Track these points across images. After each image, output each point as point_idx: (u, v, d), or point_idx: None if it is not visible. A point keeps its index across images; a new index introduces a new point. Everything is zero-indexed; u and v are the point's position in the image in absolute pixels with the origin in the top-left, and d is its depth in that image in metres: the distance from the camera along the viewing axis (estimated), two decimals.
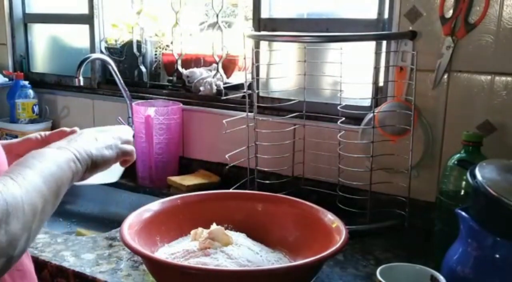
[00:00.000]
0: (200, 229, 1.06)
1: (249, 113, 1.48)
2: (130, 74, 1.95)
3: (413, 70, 1.30)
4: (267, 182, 1.47)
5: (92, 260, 1.14)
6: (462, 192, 1.10)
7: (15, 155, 0.85)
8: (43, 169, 0.67)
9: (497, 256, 0.88)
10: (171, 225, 1.11)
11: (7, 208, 0.58)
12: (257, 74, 1.60)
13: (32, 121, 2.07)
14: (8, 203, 0.58)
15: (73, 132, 0.92)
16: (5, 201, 0.58)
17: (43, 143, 0.93)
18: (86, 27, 2.01)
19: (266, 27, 1.59)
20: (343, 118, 1.38)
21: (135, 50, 1.93)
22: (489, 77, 1.25)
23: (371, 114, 1.36)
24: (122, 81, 1.77)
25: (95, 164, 0.79)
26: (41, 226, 0.65)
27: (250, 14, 1.69)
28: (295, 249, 1.08)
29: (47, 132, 0.96)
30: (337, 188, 1.38)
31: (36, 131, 2.21)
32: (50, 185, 0.66)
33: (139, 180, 1.73)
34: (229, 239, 1.02)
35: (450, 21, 1.26)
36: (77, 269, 1.09)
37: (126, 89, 1.78)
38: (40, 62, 2.25)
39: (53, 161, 0.70)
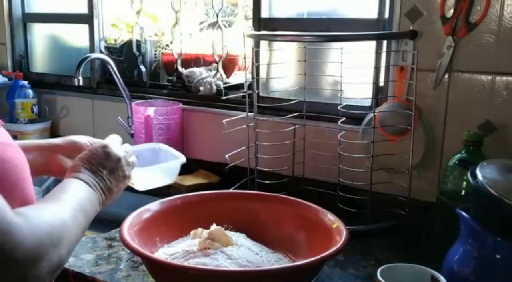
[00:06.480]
0: (200, 229, 1.06)
1: (249, 113, 1.48)
2: (130, 74, 1.95)
3: (414, 70, 1.30)
4: (267, 182, 1.47)
5: (91, 260, 1.14)
6: (463, 192, 1.10)
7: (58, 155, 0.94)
8: (83, 205, 0.74)
9: (498, 256, 0.88)
10: (171, 225, 1.10)
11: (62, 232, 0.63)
12: (257, 74, 1.60)
13: (31, 121, 2.07)
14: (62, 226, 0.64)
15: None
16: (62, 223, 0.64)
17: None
18: (85, 27, 2.01)
19: (266, 26, 1.59)
20: (344, 118, 1.37)
21: (134, 50, 1.93)
22: (489, 77, 1.25)
23: (372, 114, 1.36)
24: (121, 81, 1.77)
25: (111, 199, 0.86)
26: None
27: (250, 14, 1.69)
28: (295, 249, 1.08)
29: (94, 140, 0.97)
30: (337, 188, 1.37)
31: (36, 132, 2.20)
32: (87, 219, 0.74)
33: None
34: (229, 239, 1.01)
35: (450, 21, 1.26)
36: (76, 269, 1.09)
37: (126, 89, 1.78)
38: (40, 62, 2.25)
39: (89, 200, 0.78)
